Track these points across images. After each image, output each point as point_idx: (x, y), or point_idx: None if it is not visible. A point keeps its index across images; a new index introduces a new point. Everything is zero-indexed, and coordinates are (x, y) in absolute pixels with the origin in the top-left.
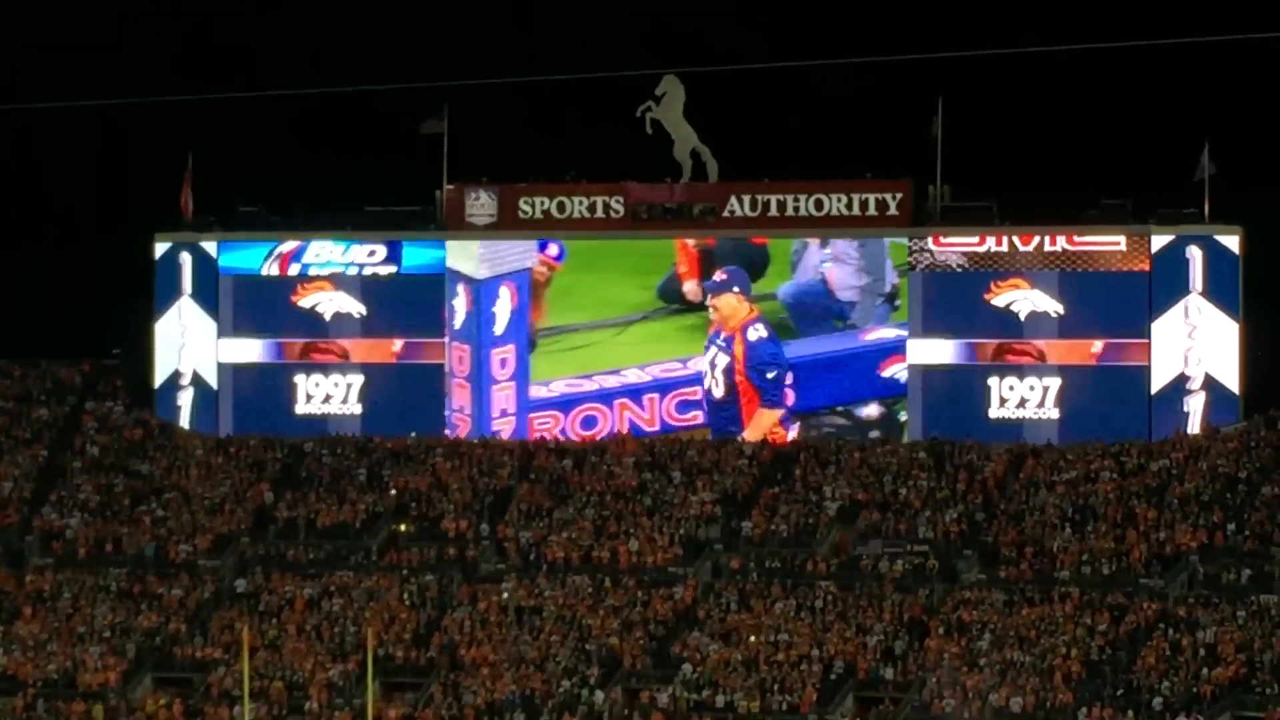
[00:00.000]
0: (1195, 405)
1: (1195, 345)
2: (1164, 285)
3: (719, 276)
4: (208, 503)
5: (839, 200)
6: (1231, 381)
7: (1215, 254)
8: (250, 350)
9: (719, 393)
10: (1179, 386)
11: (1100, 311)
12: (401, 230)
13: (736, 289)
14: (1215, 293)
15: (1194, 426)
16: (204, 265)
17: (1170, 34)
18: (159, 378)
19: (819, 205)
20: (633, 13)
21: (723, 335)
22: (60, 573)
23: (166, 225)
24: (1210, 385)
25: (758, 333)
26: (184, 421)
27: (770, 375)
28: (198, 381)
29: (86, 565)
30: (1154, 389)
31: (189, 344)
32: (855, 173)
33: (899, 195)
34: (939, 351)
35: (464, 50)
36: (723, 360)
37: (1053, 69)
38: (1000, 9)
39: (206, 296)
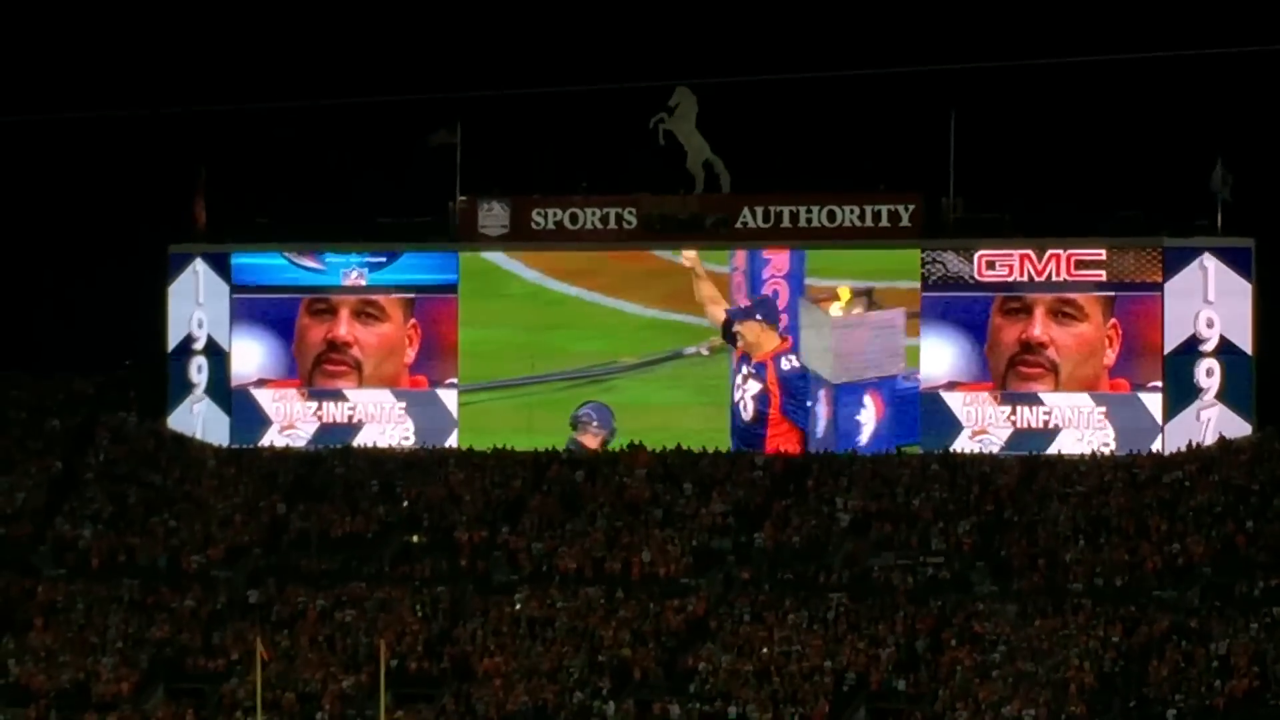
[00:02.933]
0: (1209, 416)
1: (1209, 356)
2: (1177, 297)
3: (743, 303)
4: (220, 514)
5: (851, 212)
6: (1246, 396)
7: (1229, 265)
8: (263, 361)
9: (747, 416)
10: (1192, 398)
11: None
12: (414, 241)
13: (760, 316)
14: (1228, 304)
15: (1207, 438)
16: (218, 276)
17: (1184, 46)
18: (172, 388)
19: (831, 217)
20: (645, 24)
21: (753, 361)
22: (73, 583)
23: (180, 236)
24: (1224, 398)
25: (790, 364)
26: (197, 432)
27: (809, 404)
28: (211, 392)
29: (99, 576)
30: (1168, 400)
31: (202, 354)
32: (868, 184)
33: (911, 207)
34: (950, 365)
35: (477, 61)
36: (754, 386)
37: (1066, 81)
38: (1012, 21)
39: (219, 307)
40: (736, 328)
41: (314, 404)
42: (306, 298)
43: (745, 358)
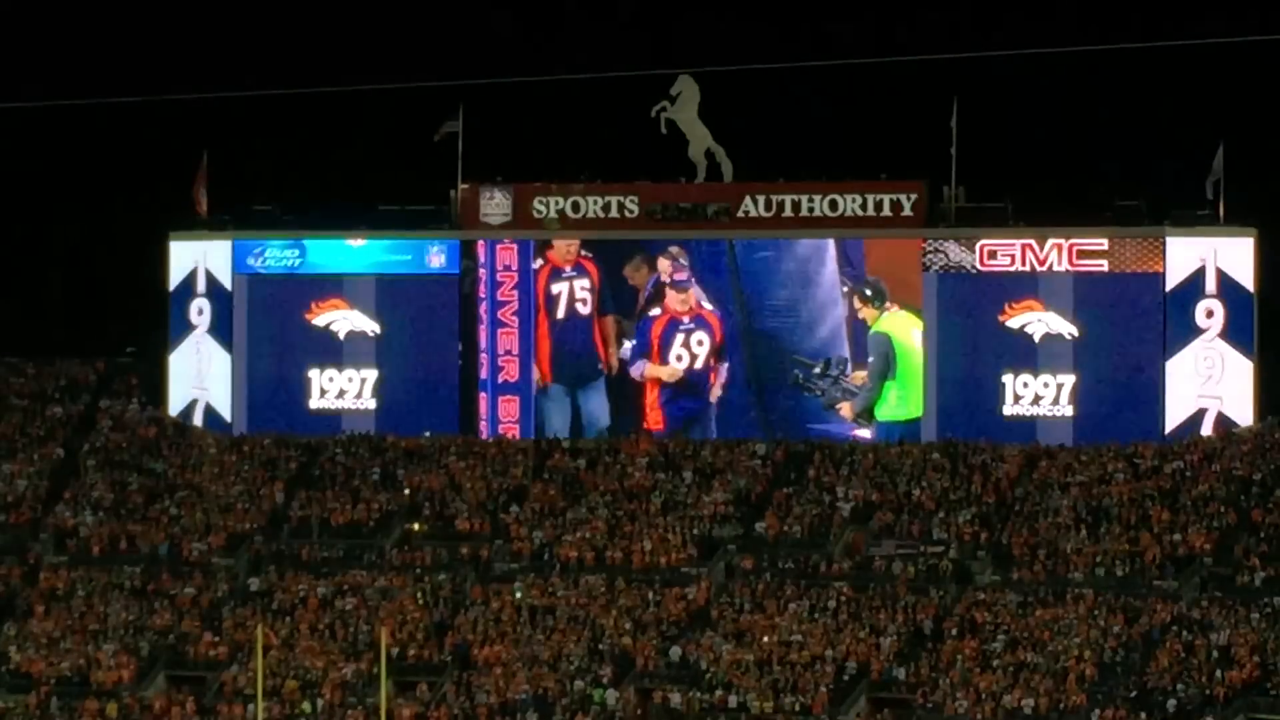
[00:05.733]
0: (1210, 406)
1: (1210, 346)
2: (1178, 287)
3: (680, 276)
4: (221, 501)
5: (854, 201)
6: (1247, 387)
7: (1230, 256)
8: (266, 348)
9: (699, 365)
10: (1193, 388)
11: (1116, 313)
12: (416, 229)
13: (695, 282)
14: (1229, 294)
15: (1208, 428)
16: (219, 263)
17: (1186, 35)
18: (173, 376)
19: (834, 205)
20: (647, 12)
21: (687, 320)
22: (74, 570)
23: (182, 223)
24: (1225, 388)
25: (712, 310)
26: (198, 420)
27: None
28: (212, 380)
29: (100, 563)
30: (1168, 389)
31: (203, 341)
32: (870, 173)
33: (913, 196)
34: (952, 350)
35: (479, 49)
36: (705, 337)
37: (1068, 70)
38: (1015, 10)
39: (221, 294)
40: (682, 295)
41: (315, 386)
42: (308, 284)
43: (674, 323)
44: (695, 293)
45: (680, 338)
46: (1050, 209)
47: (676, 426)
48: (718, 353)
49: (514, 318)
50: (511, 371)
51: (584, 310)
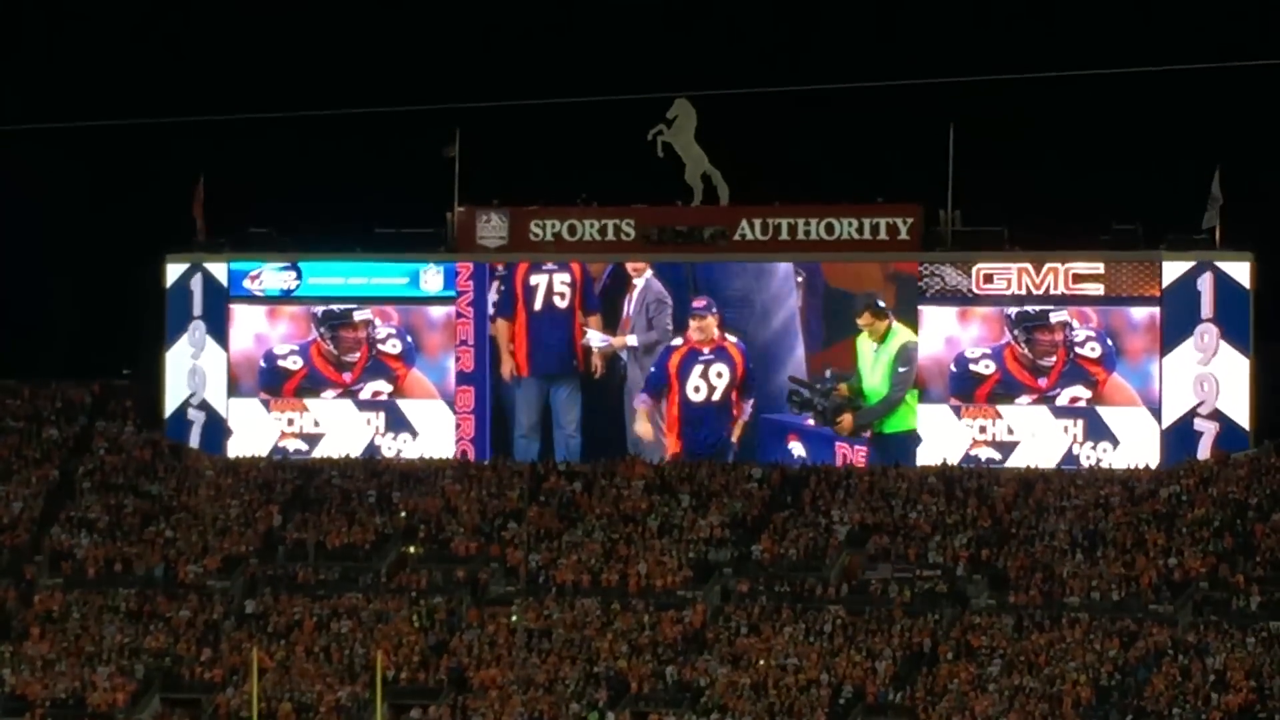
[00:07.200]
0: (1206, 430)
1: (1207, 370)
2: (1175, 311)
3: (699, 303)
4: (217, 523)
5: (850, 224)
6: (1244, 410)
7: (1226, 280)
8: (261, 370)
9: (717, 398)
10: (1190, 411)
11: (1111, 338)
12: (412, 251)
13: (715, 310)
14: (1226, 318)
15: (1204, 452)
16: (214, 286)
17: (1182, 59)
18: (169, 399)
19: (830, 229)
20: (644, 36)
21: (707, 351)
22: (69, 593)
23: (178, 245)
24: (1221, 412)
25: (735, 342)
26: (193, 442)
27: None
28: (207, 403)
29: (95, 585)
30: (1165, 413)
31: (199, 364)
32: (866, 197)
33: (910, 220)
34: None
35: (476, 72)
36: (725, 370)
37: (1064, 94)
38: (1011, 34)
39: (217, 316)
40: (700, 324)
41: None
42: (303, 308)
43: (694, 354)
44: (714, 321)
45: (699, 369)
46: (1046, 233)
47: (695, 458)
48: (740, 386)
49: (469, 308)
50: (467, 362)
51: (561, 304)
